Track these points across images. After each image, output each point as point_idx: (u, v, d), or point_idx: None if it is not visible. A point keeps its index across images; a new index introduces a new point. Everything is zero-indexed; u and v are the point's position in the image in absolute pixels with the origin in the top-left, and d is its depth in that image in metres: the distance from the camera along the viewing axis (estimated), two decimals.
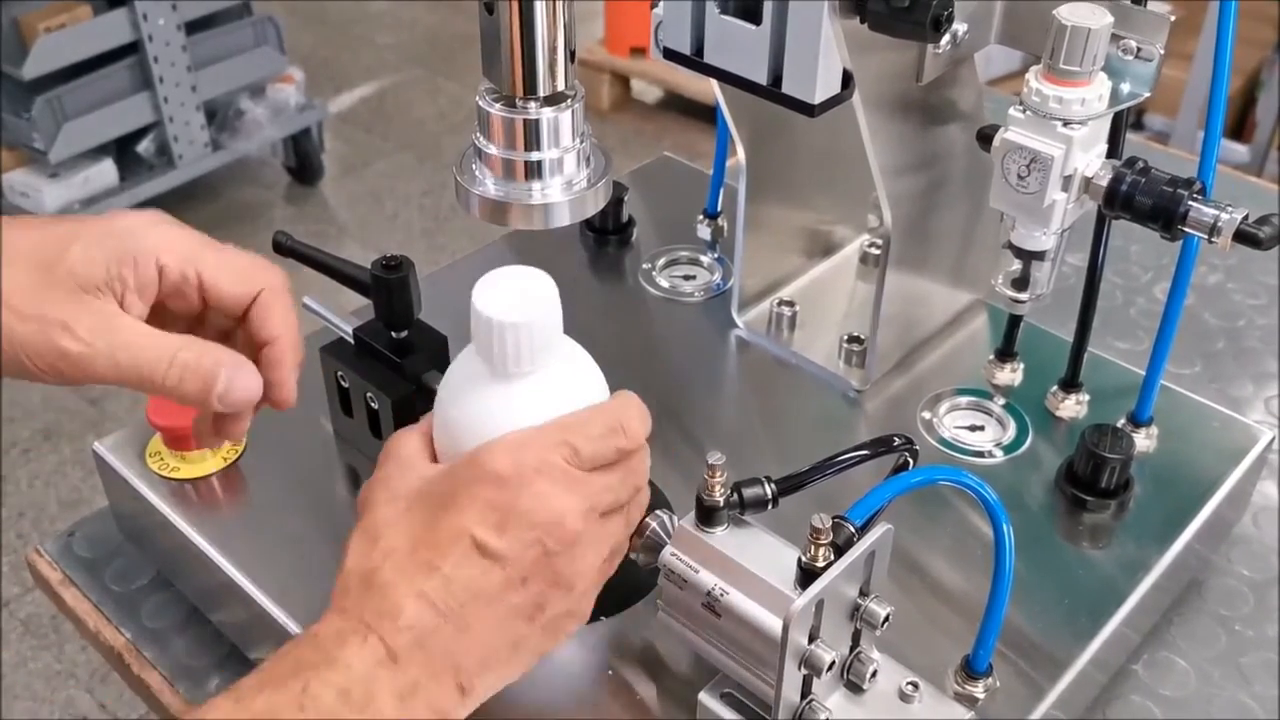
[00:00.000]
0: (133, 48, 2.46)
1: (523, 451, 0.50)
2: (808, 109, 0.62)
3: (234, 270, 0.56)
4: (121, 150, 2.58)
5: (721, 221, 0.93)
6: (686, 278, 0.91)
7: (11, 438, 2.20)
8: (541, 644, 0.53)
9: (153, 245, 0.54)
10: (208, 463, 0.73)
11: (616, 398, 0.55)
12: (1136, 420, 0.75)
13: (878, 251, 0.89)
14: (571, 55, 0.55)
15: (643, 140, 3.04)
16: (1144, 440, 0.74)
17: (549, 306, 0.52)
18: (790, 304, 0.85)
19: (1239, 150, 2.55)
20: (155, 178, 2.61)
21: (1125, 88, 0.64)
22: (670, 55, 0.67)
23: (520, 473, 0.50)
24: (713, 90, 0.74)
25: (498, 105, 0.54)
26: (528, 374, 0.53)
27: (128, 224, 0.54)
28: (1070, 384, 0.77)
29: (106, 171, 2.54)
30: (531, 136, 0.53)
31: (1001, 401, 0.78)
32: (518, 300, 0.52)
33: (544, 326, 0.52)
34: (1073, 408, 0.77)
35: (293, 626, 0.64)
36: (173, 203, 2.71)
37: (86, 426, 2.21)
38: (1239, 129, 2.66)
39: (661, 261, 0.92)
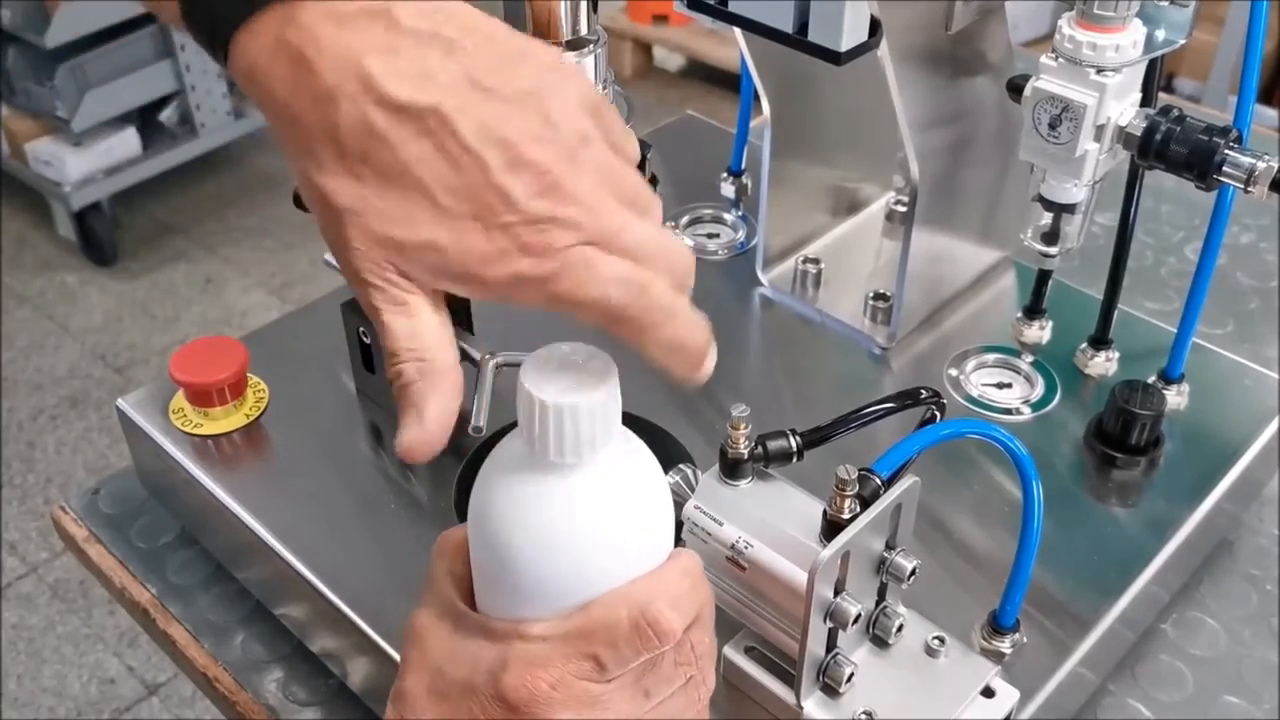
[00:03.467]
0: (154, 16, 2.46)
1: (538, 673, 0.44)
2: (834, 57, 0.61)
3: None
4: (144, 119, 2.59)
5: (746, 179, 0.93)
6: (710, 236, 0.90)
7: (39, 404, 2.22)
8: None
9: None
10: (231, 419, 0.73)
11: (669, 565, 0.47)
12: (1168, 377, 0.74)
13: (904, 209, 0.88)
14: (594, 2, 0.54)
15: (665, 108, 3.02)
16: (1175, 397, 0.73)
17: (605, 392, 0.44)
18: (815, 262, 0.84)
19: (1270, 115, 2.51)
20: (178, 146, 2.62)
21: (1160, 34, 0.63)
22: (695, 5, 0.66)
23: (532, 704, 0.44)
24: (735, 58, 0.73)
25: None
26: (574, 467, 0.45)
27: None
28: (1100, 341, 0.76)
29: (129, 140, 2.55)
30: None
31: (1029, 359, 0.77)
32: (570, 382, 0.43)
33: (596, 413, 0.44)
34: (1102, 365, 0.76)
35: (316, 581, 0.64)
36: (195, 171, 2.72)
37: (113, 394, 2.22)
38: (1269, 93, 2.62)
39: (685, 220, 0.91)
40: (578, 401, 0.43)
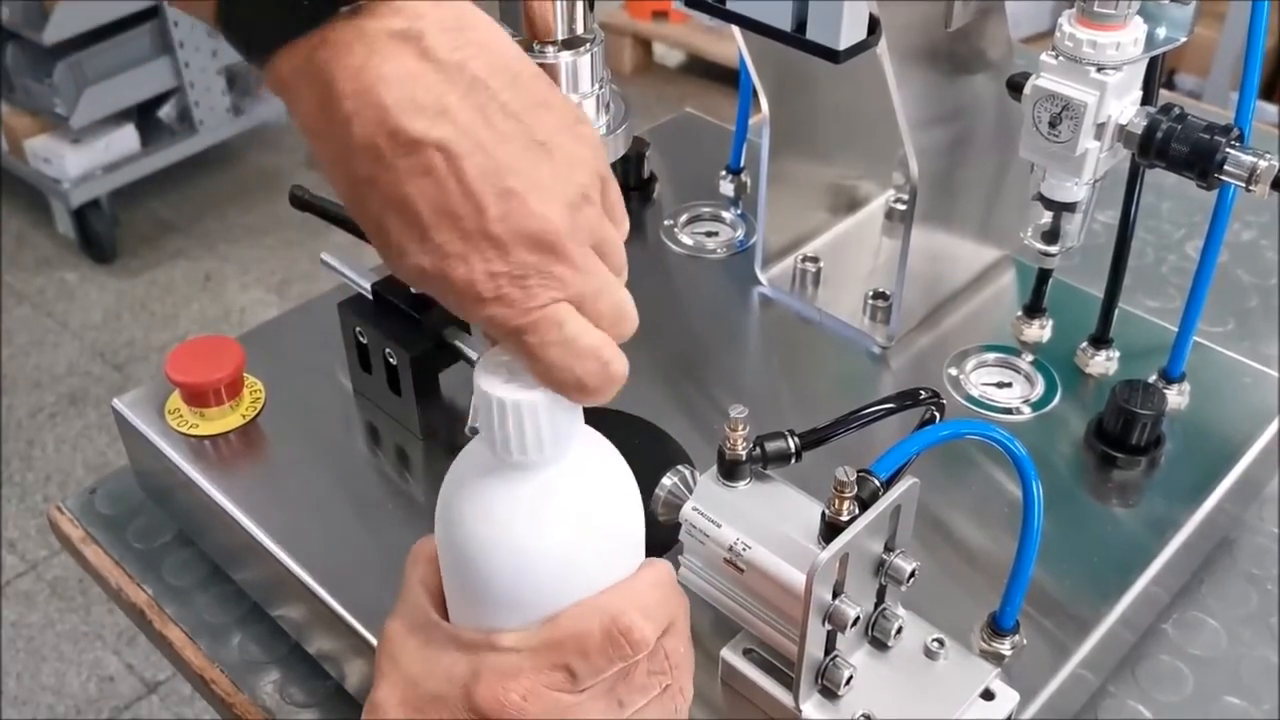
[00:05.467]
0: (153, 12, 2.46)
1: (509, 684, 0.44)
2: (832, 55, 0.61)
3: None
4: (143, 116, 2.58)
5: (745, 177, 0.92)
6: (709, 234, 0.90)
7: (38, 402, 2.22)
8: None
9: None
10: (227, 420, 0.73)
11: (639, 574, 0.47)
12: (1168, 376, 0.73)
13: (903, 207, 0.88)
14: (590, 1, 0.54)
15: (665, 104, 3.01)
16: (1175, 396, 0.73)
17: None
18: (814, 260, 0.84)
19: (1271, 111, 2.51)
20: (176, 143, 2.61)
21: (1161, 32, 0.62)
22: (693, 3, 0.66)
23: (503, 711, 0.44)
24: (734, 54, 0.72)
25: None
26: (537, 467, 0.44)
27: None
28: (1100, 340, 0.76)
29: (128, 137, 2.54)
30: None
31: (1030, 358, 0.77)
32: (527, 377, 0.43)
33: (556, 407, 0.43)
34: (1102, 364, 0.75)
35: (312, 583, 0.64)
36: (194, 168, 2.72)
37: (112, 391, 2.22)
38: (1271, 89, 2.61)
39: (684, 218, 0.91)
40: (535, 397, 0.42)
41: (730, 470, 0.57)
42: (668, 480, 0.59)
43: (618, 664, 0.45)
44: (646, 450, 0.67)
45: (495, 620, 0.45)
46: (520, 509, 0.44)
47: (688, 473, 0.59)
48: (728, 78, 3.00)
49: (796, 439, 0.57)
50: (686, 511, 0.57)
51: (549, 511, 0.44)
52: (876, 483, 0.53)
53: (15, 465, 2.09)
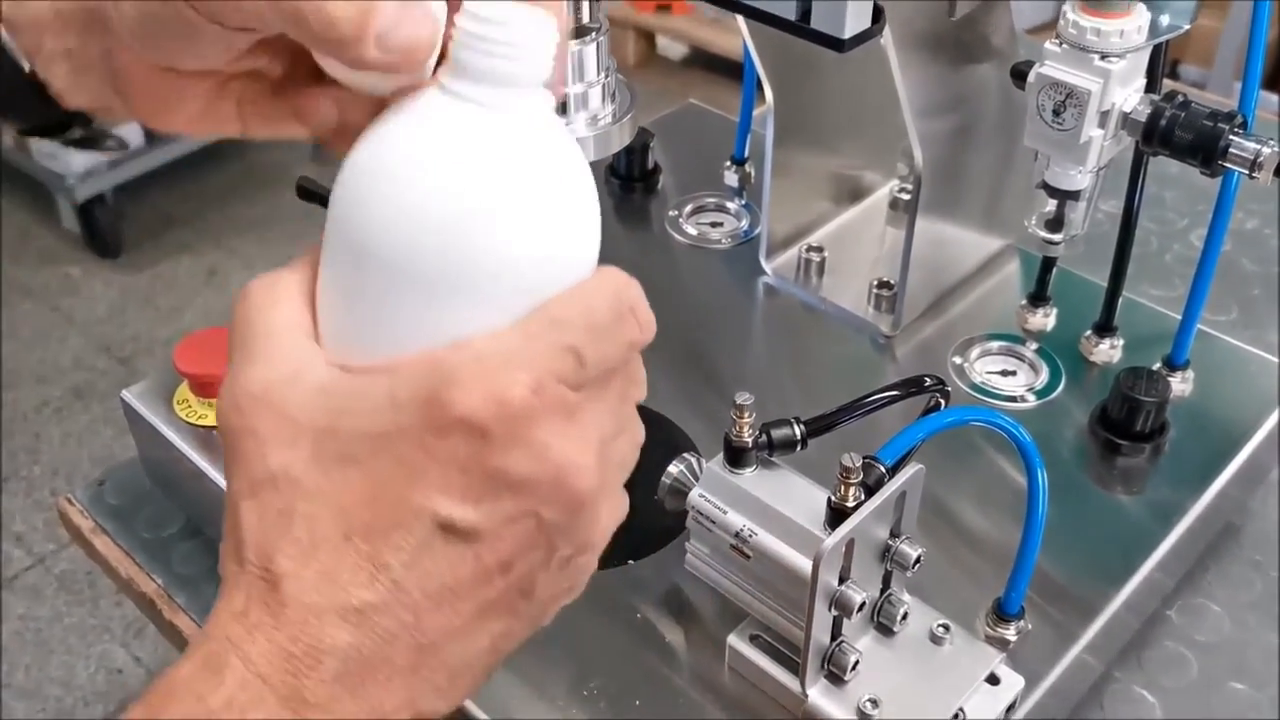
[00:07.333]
0: None
1: (506, 379, 0.33)
2: (837, 44, 0.61)
3: None
4: None
5: (749, 168, 0.92)
6: (714, 225, 0.90)
7: (44, 396, 2.22)
8: (528, 629, 0.38)
9: None
10: None
11: (607, 269, 0.37)
12: (1172, 364, 0.74)
13: (908, 196, 0.88)
14: None
15: (668, 97, 3.00)
16: (1180, 384, 0.73)
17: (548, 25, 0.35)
18: (819, 250, 0.84)
19: (1274, 100, 2.50)
20: (181, 139, 2.61)
21: (1165, 20, 0.62)
22: None
23: (508, 420, 0.33)
24: (738, 46, 0.73)
25: None
26: (517, 94, 0.34)
27: None
28: (1104, 328, 0.76)
29: (132, 131, 2.55)
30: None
31: (1034, 346, 0.77)
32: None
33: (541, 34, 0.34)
34: (1107, 352, 0.76)
35: None
36: (198, 163, 2.72)
37: (117, 385, 2.22)
38: (1274, 80, 2.61)
39: (688, 209, 0.91)
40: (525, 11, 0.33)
41: (736, 457, 0.57)
42: (674, 468, 0.60)
43: (624, 349, 0.36)
44: (653, 438, 0.67)
45: (438, 331, 0.34)
46: (500, 152, 0.34)
47: (694, 460, 0.60)
48: (731, 70, 2.99)
49: (802, 426, 0.57)
50: (693, 498, 0.58)
51: (533, 156, 0.35)
52: (882, 469, 0.54)
53: (21, 459, 2.10)
